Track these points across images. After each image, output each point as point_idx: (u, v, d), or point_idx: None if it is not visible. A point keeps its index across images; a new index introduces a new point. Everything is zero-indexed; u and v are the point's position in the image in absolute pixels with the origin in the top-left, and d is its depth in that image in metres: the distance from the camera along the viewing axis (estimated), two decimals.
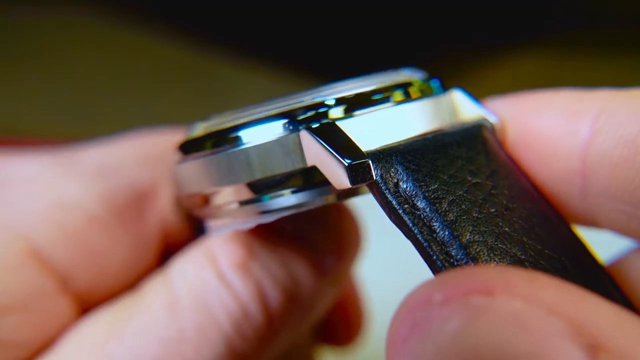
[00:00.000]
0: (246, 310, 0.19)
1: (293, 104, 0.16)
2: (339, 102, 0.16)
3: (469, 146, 0.16)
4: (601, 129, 0.15)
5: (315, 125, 0.15)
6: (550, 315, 0.10)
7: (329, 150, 0.14)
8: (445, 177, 0.15)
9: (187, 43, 0.70)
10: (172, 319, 0.19)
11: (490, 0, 0.67)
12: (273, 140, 0.16)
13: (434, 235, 0.14)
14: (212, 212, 0.18)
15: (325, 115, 0.15)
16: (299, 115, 0.15)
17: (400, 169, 0.14)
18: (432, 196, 0.14)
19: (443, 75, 0.18)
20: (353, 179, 0.14)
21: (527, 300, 0.10)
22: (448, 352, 0.10)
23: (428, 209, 0.14)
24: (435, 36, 0.66)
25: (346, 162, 0.14)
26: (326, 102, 0.15)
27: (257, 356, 0.19)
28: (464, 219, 0.14)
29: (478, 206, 0.15)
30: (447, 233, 0.14)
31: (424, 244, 0.14)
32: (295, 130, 0.15)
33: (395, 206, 0.14)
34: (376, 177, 0.14)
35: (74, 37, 0.72)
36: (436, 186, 0.14)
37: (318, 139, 0.15)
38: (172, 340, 0.19)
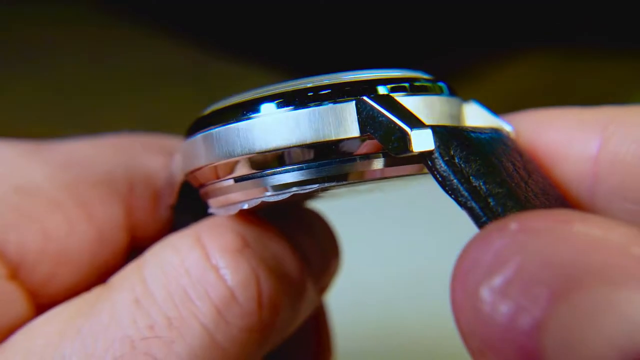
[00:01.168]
0: (237, 301, 0.18)
1: (339, 79, 0.16)
2: (387, 82, 0.16)
3: (502, 143, 0.17)
4: (612, 135, 0.17)
5: (372, 95, 0.16)
6: (625, 237, 0.12)
7: (391, 117, 0.15)
8: (491, 160, 0.16)
9: (187, 43, 0.70)
10: (141, 314, 0.17)
11: (489, 7, 0.67)
12: (325, 107, 0.16)
13: (488, 204, 0.15)
14: (228, 187, 0.17)
15: (376, 90, 0.16)
16: (353, 87, 0.16)
17: (455, 143, 0.15)
18: (483, 171, 0.15)
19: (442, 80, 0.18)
20: (417, 144, 0.15)
21: (602, 228, 0.12)
22: (533, 270, 0.12)
23: (481, 182, 0.15)
24: (434, 42, 0.66)
25: (410, 128, 0.15)
26: (377, 79, 0.16)
27: (241, 356, 0.18)
28: (511, 197, 0.15)
29: (522, 189, 0.16)
30: (500, 208, 0.15)
31: (480, 212, 0.15)
32: (350, 99, 0.16)
33: (452, 175, 0.15)
34: (436, 146, 0.15)
35: (67, 35, 0.72)
36: (484, 166, 0.16)
37: (379, 106, 0.16)
38: (140, 339, 0.17)
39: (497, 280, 0.12)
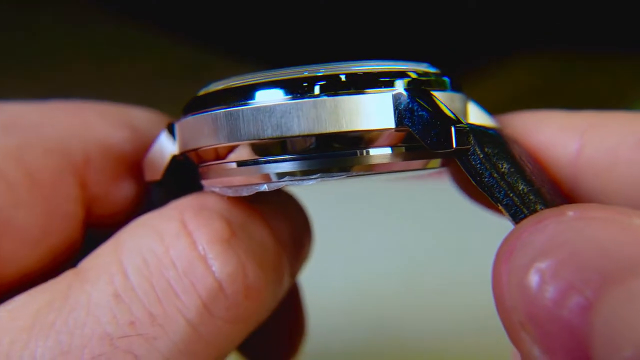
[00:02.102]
0: (224, 294, 0.17)
1: (369, 67, 0.16)
2: (422, 75, 0.17)
3: (511, 142, 0.18)
4: (588, 142, 0.18)
5: (412, 89, 0.16)
6: None
7: (432, 112, 0.15)
8: (516, 158, 0.17)
9: (187, 43, 0.70)
10: (121, 310, 0.16)
11: (488, 10, 0.67)
12: (357, 97, 0.16)
13: (524, 200, 0.16)
14: (242, 170, 0.17)
15: (414, 83, 0.16)
16: (388, 78, 0.16)
17: (487, 141, 0.16)
18: (513, 169, 0.16)
19: None
20: (458, 141, 0.15)
21: None
22: (588, 254, 0.13)
23: (514, 179, 0.16)
24: (433, 44, 0.67)
25: (451, 125, 0.15)
26: (414, 72, 0.16)
27: (223, 348, 0.17)
28: (538, 194, 0.16)
29: (542, 187, 0.17)
30: (534, 205, 0.16)
31: (519, 208, 0.16)
32: (386, 90, 0.16)
33: (488, 172, 0.16)
34: (473, 143, 0.16)
35: (66, 34, 0.72)
36: (513, 164, 0.16)
37: (421, 101, 0.16)
38: (120, 337, 0.16)
39: (550, 261, 0.13)
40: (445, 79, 0.17)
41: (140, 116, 0.22)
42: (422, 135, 0.15)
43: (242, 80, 0.17)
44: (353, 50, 0.65)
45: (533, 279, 0.13)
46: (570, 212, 0.14)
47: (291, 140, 0.16)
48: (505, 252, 0.14)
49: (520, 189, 0.16)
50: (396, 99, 0.16)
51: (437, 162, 0.17)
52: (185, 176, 0.19)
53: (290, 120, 0.16)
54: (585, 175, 0.18)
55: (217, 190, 0.17)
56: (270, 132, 0.16)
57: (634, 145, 0.17)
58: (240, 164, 0.17)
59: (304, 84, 0.16)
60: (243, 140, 0.16)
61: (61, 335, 0.16)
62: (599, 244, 0.13)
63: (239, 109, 0.16)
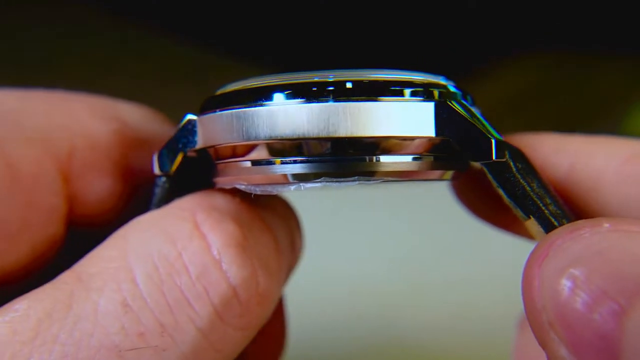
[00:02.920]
0: (238, 301, 0.16)
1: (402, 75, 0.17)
2: (454, 87, 0.17)
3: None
4: (577, 164, 0.19)
5: (453, 101, 0.16)
6: None
7: (476, 125, 0.16)
8: (537, 172, 0.17)
9: (187, 42, 0.70)
10: (130, 320, 0.15)
11: (489, 9, 0.67)
12: (400, 104, 0.16)
13: (553, 212, 0.17)
14: (264, 169, 0.17)
15: (451, 95, 0.17)
16: (429, 88, 0.16)
17: (517, 155, 0.17)
18: (540, 183, 0.17)
19: None
20: (498, 154, 0.16)
21: None
22: (622, 263, 0.14)
23: (542, 192, 0.17)
24: (433, 43, 0.67)
25: (493, 138, 0.16)
26: (448, 85, 0.17)
27: (230, 355, 0.17)
28: (561, 206, 0.17)
29: (557, 198, 0.18)
30: (563, 218, 0.17)
31: (551, 219, 0.16)
32: (428, 100, 0.16)
33: (522, 185, 0.16)
34: (509, 156, 0.16)
35: (66, 34, 0.72)
36: (538, 178, 0.17)
37: (466, 112, 0.16)
38: (128, 349, 0.15)
39: (585, 267, 0.14)
40: (468, 94, 0.18)
41: (128, 110, 0.21)
42: (462, 146, 0.16)
43: (274, 80, 0.17)
44: (354, 51, 0.65)
45: (566, 283, 0.14)
46: (606, 224, 0.14)
47: (334, 143, 0.16)
48: (538, 257, 0.15)
49: (547, 202, 0.16)
50: (438, 109, 0.16)
51: (450, 173, 0.18)
52: (191, 173, 0.19)
53: (337, 121, 0.16)
54: (575, 195, 0.19)
55: (242, 187, 0.17)
56: (316, 132, 0.16)
57: (618, 167, 0.18)
58: (281, 162, 0.16)
59: (348, 88, 0.16)
60: (280, 139, 0.16)
61: (67, 348, 0.15)
62: (633, 255, 0.14)
63: (278, 107, 0.16)
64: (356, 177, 0.16)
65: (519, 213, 0.17)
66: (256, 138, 0.16)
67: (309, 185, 0.16)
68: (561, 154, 0.19)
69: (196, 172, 0.18)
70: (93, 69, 0.68)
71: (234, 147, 0.17)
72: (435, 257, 0.38)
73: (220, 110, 0.17)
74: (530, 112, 0.59)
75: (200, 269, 0.16)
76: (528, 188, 0.16)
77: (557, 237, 0.15)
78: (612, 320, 0.13)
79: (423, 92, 0.16)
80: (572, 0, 0.65)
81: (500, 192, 0.16)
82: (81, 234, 0.19)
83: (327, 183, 0.16)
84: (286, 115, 0.16)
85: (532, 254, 0.15)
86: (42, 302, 0.15)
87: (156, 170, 0.18)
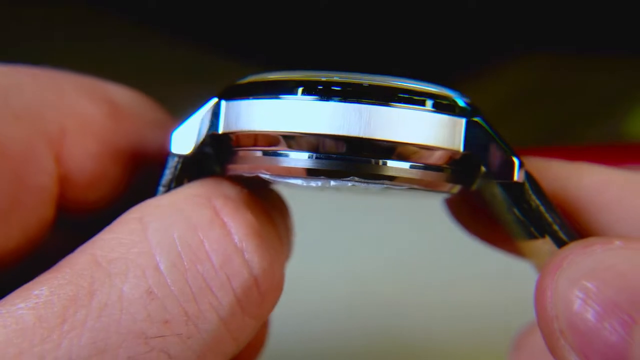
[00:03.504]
0: (259, 290, 0.16)
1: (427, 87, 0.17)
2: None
3: None
4: (580, 187, 0.19)
5: (479, 119, 0.17)
6: None
7: (502, 145, 0.17)
8: (545, 192, 0.18)
9: (187, 42, 0.70)
10: (156, 308, 0.15)
11: (483, 12, 0.67)
12: (438, 116, 0.17)
13: (564, 229, 0.17)
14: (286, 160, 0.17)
15: (476, 111, 0.17)
16: (460, 103, 0.17)
17: (530, 175, 0.17)
18: (550, 202, 0.18)
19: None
20: (519, 174, 0.17)
21: None
22: (634, 278, 0.15)
23: (552, 210, 0.18)
24: (433, 44, 0.67)
25: (517, 160, 0.17)
26: (469, 101, 0.18)
27: (242, 345, 0.17)
28: (564, 224, 0.18)
29: (560, 213, 0.18)
30: (572, 234, 0.17)
31: (564, 237, 0.17)
32: (460, 116, 0.17)
33: (538, 205, 0.17)
34: (526, 177, 0.17)
35: (65, 34, 0.72)
36: (545, 197, 0.18)
37: (493, 132, 0.17)
38: (154, 336, 0.15)
39: (597, 280, 0.15)
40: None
41: (119, 93, 0.20)
42: (487, 164, 0.17)
43: (317, 76, 0.17)
44: (355, 50, 0.65)
45: (579, 294, 0.15)
46: (617, 241, 0.16)
47: (368, 145, 0.16)
48: (551, 269, 0.16)
49: (558, 221, 0.17)
50: (469, 125, 0.17)
51: (458, 187, 0.18)
52: (201, 159, 0.19)
53: (378, 125, 0.16)
54: (580, 215, 0.20)
55: (265, 177, 0.17)
56: (355, 133, 0.16)
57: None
58: (316, 157, 0.17)
59: (393, 94, 0.16)
60: (318, 134, 0.16)
61: (95, 333, 0.15)
62: None
63: (321, 103, 0.16)
64: (384, 182, 0.17)
65: (531, 232, 0.17)
66: (294, 130, 0.16)
67: (336, 183, 0.17)
68: (564, 181, 0.20)
69: (200, 157, 0.19)
70: (92, 69, 0.68)
71: (259, 136, 0.17)
72: (435, 257, 0.38)
73: (256, 98, 0.17)
74: (530, 113, 0.59)
75: (222, 258, 0.16)
76: (542, 208, 0.17)
77: (570, 252, 0.16)
78: (621, 330, 0.14)
79: (456, 107, 0.17)
80: (573, 1, 0.65)
81: (515, 211, 0.17)
82: (70, 220, 0.19)
83: (357, 183, 0.17)
84: (328, 111, 0.16)
85: (546, 266, 0.16)
86: (64, 287, 0.15)
87: (174, 149, 0.18)
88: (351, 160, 0.16)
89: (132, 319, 0.15)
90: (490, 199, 0.20)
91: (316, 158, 0.17)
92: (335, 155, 0.16)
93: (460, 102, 0.17)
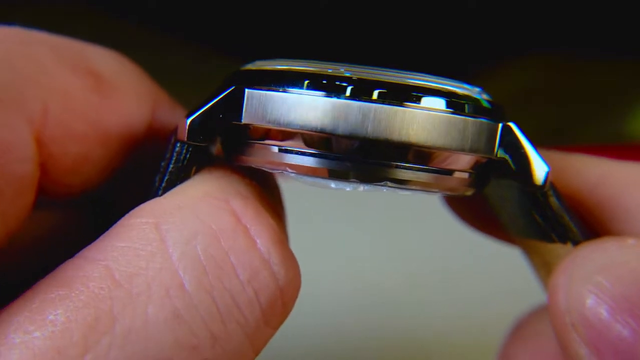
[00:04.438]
0: (283, 303, 0.15)
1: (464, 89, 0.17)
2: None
3: None
4: (600, 181, 0.19)
5: (513, 124, 0.17)
6: None
7: (534, 151, 0.17)
8: (561, 196, 0.18)
9: (186, 41, 0.70)
10: (184, 332, 0.13)
11: (483, 12, 0.67)
12: (475, 120, 0.16)
13: (583, 231, 0.18)
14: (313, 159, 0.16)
15: (505, 115, 0.17)
16: (493, 108, 0.17)
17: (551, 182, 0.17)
18: (566, 207, 0.18)
19: None
20: (546, 181, 0.17)
21: None
22: None
23: (569, 214, 0.17)
24: (434, 42, 0.67)
25: (548, 167, 0.17)
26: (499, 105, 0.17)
27: (259, 352, 0.15)
28: (580, 224, 0.18)
29: (576, 217, 0.18)
30: (581, 232, 0.18)
31: (579, 232, 0.17)
32: (496, 120, 0.17)
33: (560, 210, 0.17)
34: (550, 184, 0.17)
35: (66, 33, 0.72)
36: (563, 201, 0.18)
37: (525, 138, 0.17)
38: None
39: (610, 275, 0.15)
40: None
41: (103, 61, 0.18)
42: (518, 170, 0.17)
43: (360, 73, 0.16)
44: (355, 51, 0.65)
45: (591, 288, 0.15)
46: (630, 240, 0.16)
47: (400, 148, 0.16)
48: (565, 265, 0.16)
49: (575, 221, 0.17)
50: (504, 131, 0.17)
51: (472, 190, 0.18)
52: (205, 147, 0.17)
53: (413, 129, 0.16)
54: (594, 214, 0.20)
55: (289, 174, 0.16)
56: (393, 137, 0.16)
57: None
58: (349, 160, 0.16)
59: (414, 93, 0.16)
60: (344, 134, 0.16)
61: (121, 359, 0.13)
62: None
63: (363, 106, 0.16)
64: (417, 188, 0.16)
65: (550, 236, 0.17)
66: (331, 132, 0.15)
67: (369, 187, 0.16)
68: (587, 173, 0.20)
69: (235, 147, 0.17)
70: None
71: (289, 132, 0.16)
72: (436, 252, 0.38)
73: (285, 91, 0.16)
74: (531, 112, 0.59)
75: (249, 272, 0.14)
76: (564, 214, 0.17)
77: (584, 249, 0.16)
78: (634, 324, 0.15)
79: (493, 110, 0.17)
80: (572, 1, 0.65)
81: (536, 216, 0.17)
82: (48, 202, 0.18)
83: (390, 188, 0.16)
84: (373, 114, 0.15)
85: (561, 263, 0.16)
86: (82, 311, 0.13)
87: (189, 138, 0.16)
88: (389, 165, 0.16)
89: (159, 346, 0.13)
90: (496, 200, 0.20)
91: (352, 161, 0.16)
92: (373, 160, 0.16)
93: (493, 106, 0.17)
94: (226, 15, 0.70)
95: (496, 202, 0.20)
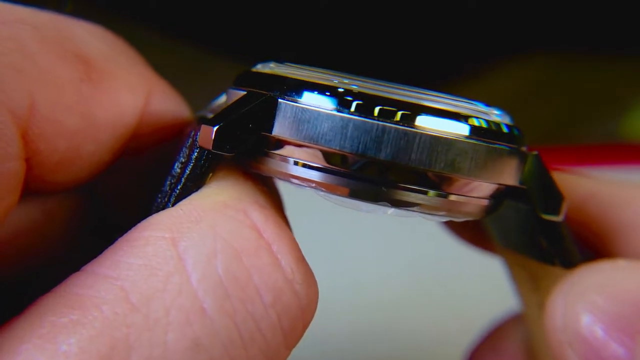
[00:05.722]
0: (303, 322, 0.14)
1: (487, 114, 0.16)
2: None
3: None
4: (588, 200, 0.20)
5: (537, 154, 0.17)
6: None
7: (555, 182, 0.17)
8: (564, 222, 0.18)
9: (186, 42, 0.70)
10: (203, 359, 0.12)
11: (483, 12, 0.67)
12: (502, 149, 0.16)
13: (578, 255, 0.18)
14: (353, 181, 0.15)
15: (524, 140, 0.17)
16: (517, 134, 0.17)
17: None
18: (568, 232, 0.18)
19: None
20: (564, 211, 0.17)
21: None
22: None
23: (571, 237, 0.18)
24: (429, 46, 0.67)
25: (563, 197, 0.17)
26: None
27: None
28: (578, 249, 0.18)
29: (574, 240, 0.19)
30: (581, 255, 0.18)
31: (575, 263, 0.18)
32: (516, 149, 0.16)
33: (568, 236, 0.18)
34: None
35: None
36: (566, 226, 0.18)
37: (546, 168, 0.17)
38: None
39: (605, 294, 0.16)
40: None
41: (91, 41, 0.17)
42: (537, 199, 0.17)
43: (410, 96, 0.16)
44: (356, 50, 0.65)
45: (588, 307, 0.16)
46: (622, 262, 0.17)
47: (428, 176, 0.15)
48: (563, 285, 0.16)
49: (574, 243, 0.18)
50: (529, 160, 0.17)
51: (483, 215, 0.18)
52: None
53: (455, 157, 0.15)
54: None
55: (317, 190, 0.16)
56: (434, 167, 0.15)
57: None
58: (388, 184, 0.15)
59: (462, 125, 0.16)
60: (394, 161, 0.15)
61: None
62: None
63: (415, 133, 0.15)
64: (444, 214, 0.16)
65: (553, 260, 0.18)
66: (373, 156, 0.15)
67: (399, 212, 0.16)
68: (617, 200, 0.20)
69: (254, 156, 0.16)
70: None
71: (325, 152, 0.15)
72: (435, 261, 0.38)
73: (329, 110, 0.15)
74: (529, 112, 0.59)
75: (273, 294, 0.13)
76: (570, 241, 0.17)
77: (582, 270, 0.17)
78: (628, 342, 0.15)
79: (514, 137, 0.16)
80: (572, 1, 0.65)
81: (542, 240, 0.18)
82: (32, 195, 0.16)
83: (419, 214, 0.16)
84: (416, 143, 0.15)
85: (559, 283, 0.17)
86: (96, 341, 0.12)
87: (215, 147, 0.15)
88: (418, 192, 0.15)
89: None
90: (496, 223, 0.19)
91: (387, 185, 0.15)
92: (403, 184, 0.15)
93: (516, 131, 0.16)
94: (226, 15, 0.70)
95: (496, 225, 0.20)
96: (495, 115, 0.17)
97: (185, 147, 0.16)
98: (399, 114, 0.15)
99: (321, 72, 0.16)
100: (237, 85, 0.16)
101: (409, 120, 0.15)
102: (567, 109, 0.60)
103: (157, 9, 0.73)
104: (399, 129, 0.15)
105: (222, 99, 0.18)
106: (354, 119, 0.15)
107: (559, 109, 0.61)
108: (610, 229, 0.19)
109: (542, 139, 0.56)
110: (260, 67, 0.17)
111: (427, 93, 0.16)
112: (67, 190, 0.17)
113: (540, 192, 0.17)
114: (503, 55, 0.66)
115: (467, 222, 0.21)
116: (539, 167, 0.17)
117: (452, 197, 0.16)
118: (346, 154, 0.15)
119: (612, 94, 0.61)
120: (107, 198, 0.19)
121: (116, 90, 0.16)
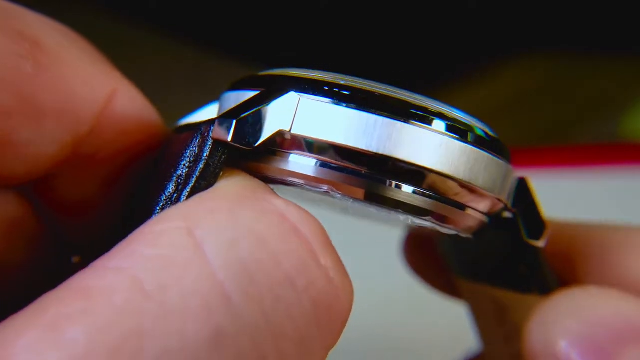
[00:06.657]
0: (342, 319, 0.12)
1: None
2: None
3: None
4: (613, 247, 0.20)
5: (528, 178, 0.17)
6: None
7: (539, 207, 0.17)
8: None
9: (187, 42, 0.70)
10: (228, 353, 0.11)
11: (483, 12, 0.67)
12: (506, 164, 0.16)
13: (554, 283, 0.18)
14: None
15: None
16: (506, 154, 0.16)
17: None
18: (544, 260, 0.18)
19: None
20: (545, 238, 0.17)
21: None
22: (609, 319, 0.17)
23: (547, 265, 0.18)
24: (429, 46, 0.67)
25: (546, 224, 0.17)
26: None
27: None
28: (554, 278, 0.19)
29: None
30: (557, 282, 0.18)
31: (551, 289, 0.18)
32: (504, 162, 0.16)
33: (545, 264, 0.18)
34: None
35: None
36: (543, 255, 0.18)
37: (532, 192, 0.17)
38: None
39: (579, 319, 0.16)
40: None
41: (45, 30, 0.15)
42: (525, 222, 0.17)
43: (434, 105, 0.15)
44: (356, 50, 0.65)
45: (563, 333, 0.16)
46: (594, 290, 0.17)
47: (433, 179, 0.15)
48: (541, 310, 0.17)
49: (550, 270, 0.18)
50: (521, 185, 0.17)
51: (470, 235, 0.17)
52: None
53: (473, 168, 0.15)
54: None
55: (333, 195, 0.15)
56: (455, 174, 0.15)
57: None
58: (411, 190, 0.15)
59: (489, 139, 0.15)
60: (433, 170, 0.15)
61: None
62: (619, 311, 0.16)
63: (442, 139, 0.15)
64: (453, 227, 0.16)
65: (528, 287, 0.18)
66: (393, 157, 0.14)
67: (418, 221, 0.15)
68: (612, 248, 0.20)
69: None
70: None
71: (345, 150, 0.14)
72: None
73: (355, 108, 0.14)
74: (529, 112, 0.59)
75: (307, 279, 0.12)
76: (547, 267, 0.18)
77: (557, 296, 0.17)
78: None
79: (508, 153, 0.16)
80: (572, 1, 0.65)
81: (522, 267, 0.18)
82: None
83: (432, 225, 0.15)
84: (456, 153, 0.15)
85: (536, 310, 0.17)
86: (106, 331, 0.11)
87: (235, 140, 0.14)
88: (445, 201, 0.15)
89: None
90: (452, 242, 0.19)
91: (414, 192, 0.15)
92: (424, 191, 0.15)
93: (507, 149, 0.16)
94: (226, 15, 0.70)
95: (451, 244, 0.20)
96: (481, 126, 0.16)
97: (194, 146, 0.15)
98: (435, 121, 0.15)
99: (334, 75, 0.16)
100: (243, 88, 0.16)
101: (464, 135, 0.15)
102: (567, 109, 0.60)
103: (157, 9, 0.73)
104: (436, 134, 0.15)
105: (214, 106, 0.17)
106: (388, 120, 0.14)
107: (559, 109, 0.61)
108: (575, 258, 0.19)
109: (542, 139, 0.56)
110: (268, 72, 0.16)
111: (430, 99, 0.16)
112: (16, 185, 0.15)
113: (524, 217, 0.17)
114: (503, 55, 0.66)
115: (426, 260, 0.22)
116: (525, 190, 0.17)
117: (469, 211, 0.16)
118: (372, 153, 0.14)
119: (612, 94, 0.61)
120: (62, 207, 0.17)
121: (68, 80, 0.15)
